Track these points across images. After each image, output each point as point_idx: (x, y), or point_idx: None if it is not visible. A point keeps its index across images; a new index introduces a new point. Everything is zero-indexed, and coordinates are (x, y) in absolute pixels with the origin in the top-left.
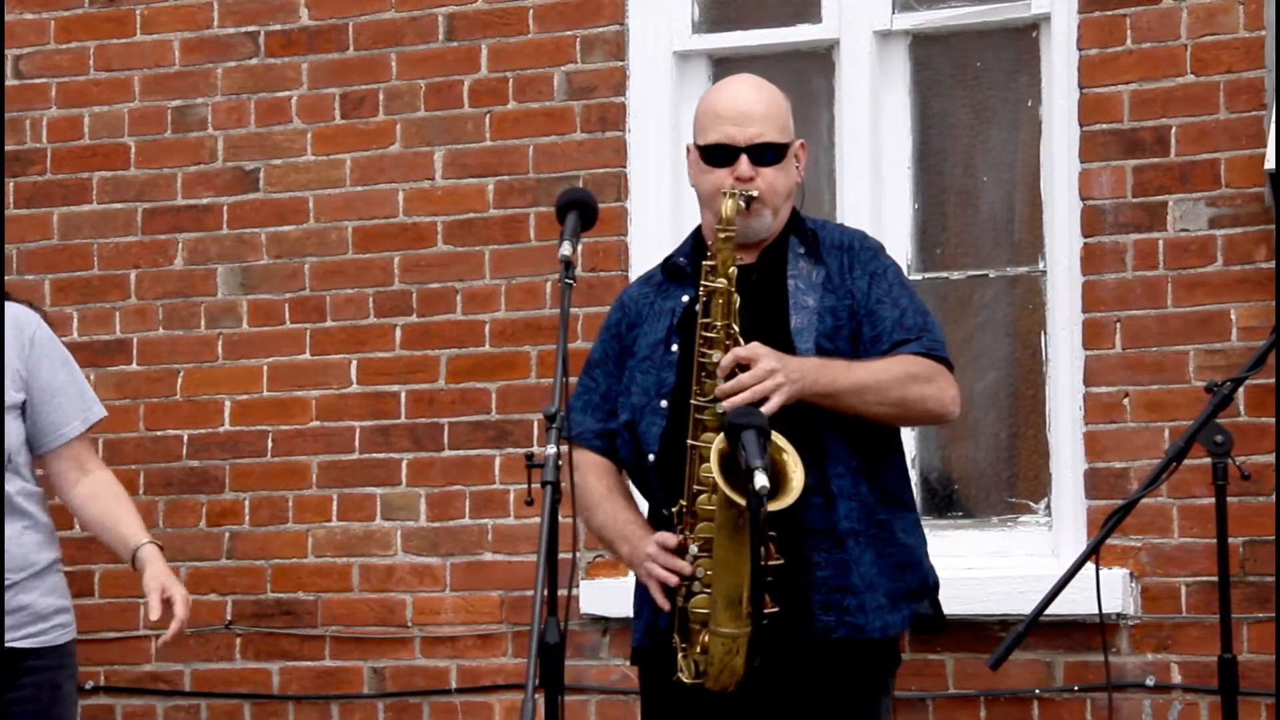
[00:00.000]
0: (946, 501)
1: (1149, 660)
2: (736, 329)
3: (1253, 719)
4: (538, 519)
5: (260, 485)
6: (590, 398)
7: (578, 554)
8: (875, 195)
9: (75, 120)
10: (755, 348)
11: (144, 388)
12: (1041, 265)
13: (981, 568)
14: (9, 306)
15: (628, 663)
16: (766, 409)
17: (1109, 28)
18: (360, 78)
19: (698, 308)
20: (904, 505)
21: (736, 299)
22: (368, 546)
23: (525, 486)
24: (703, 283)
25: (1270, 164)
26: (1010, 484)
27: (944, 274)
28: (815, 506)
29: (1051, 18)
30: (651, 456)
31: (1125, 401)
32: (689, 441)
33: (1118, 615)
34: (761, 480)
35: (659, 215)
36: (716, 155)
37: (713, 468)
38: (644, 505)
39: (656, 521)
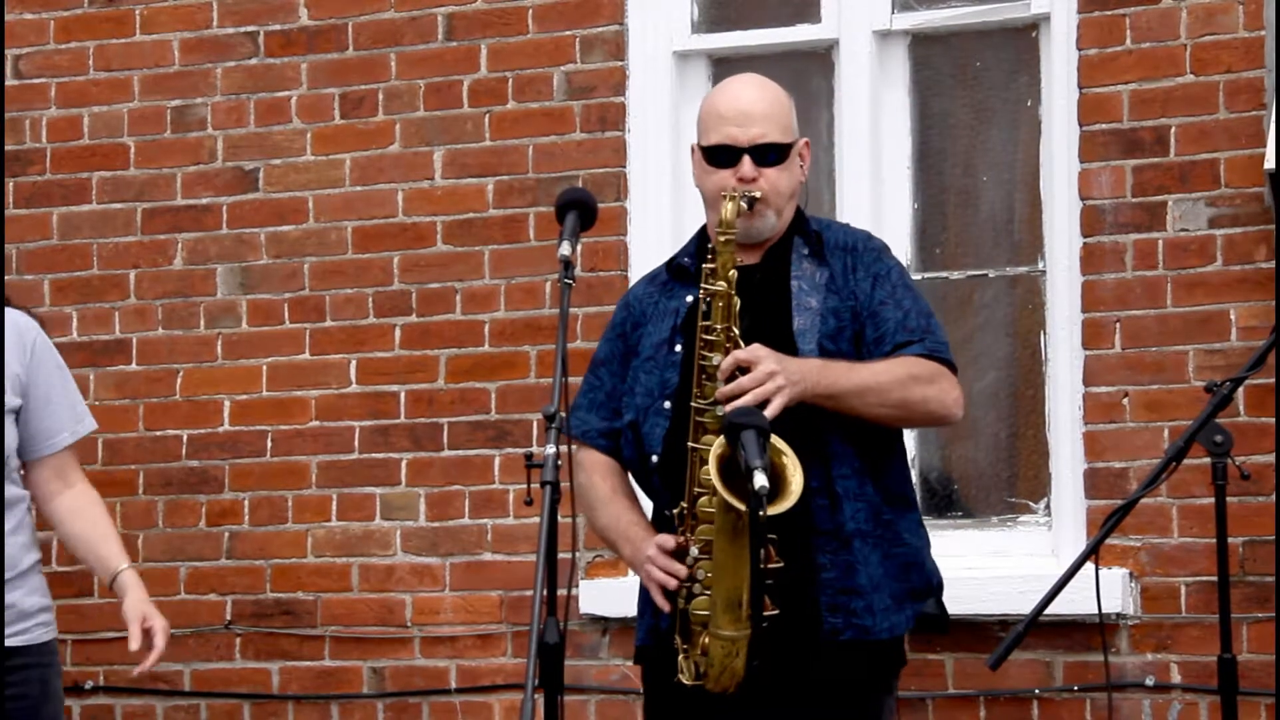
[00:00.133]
0: (946, 501)
1: (1149, 660)
2: (737, 331)
3: (1252, 719)
4: (537, 519)
5: (260, 485)
6: (595, 396)
7: (577, 554)
8: (875, 195)
9: (75, 120)
10: (755, 350)
11: (144, 388)
12: (1041, 265)
13: (981, 568)
14: (10, 313)
15: (627, 663)
16: (768, 412)
17: (1109, 28)
18: (360, 78)
19: (702, 309)
20: (908, 505)
21: (737, 302)
22: (367, 546)
23: (525, 486)
24: (703, 285)
25: (1270, 164)
26: (1010, 484)
27: (944, 274)
28: (821, 508)
29: (1051, 18)
30: (655, 458)
31: (1125, 401)
32: (690, 444)
33: (1117, 615)
34: (761, 480)
35: (659, 215)
36: (719, 156)
37: (711, 472)
38: (649, 505)
39: (660, 522)
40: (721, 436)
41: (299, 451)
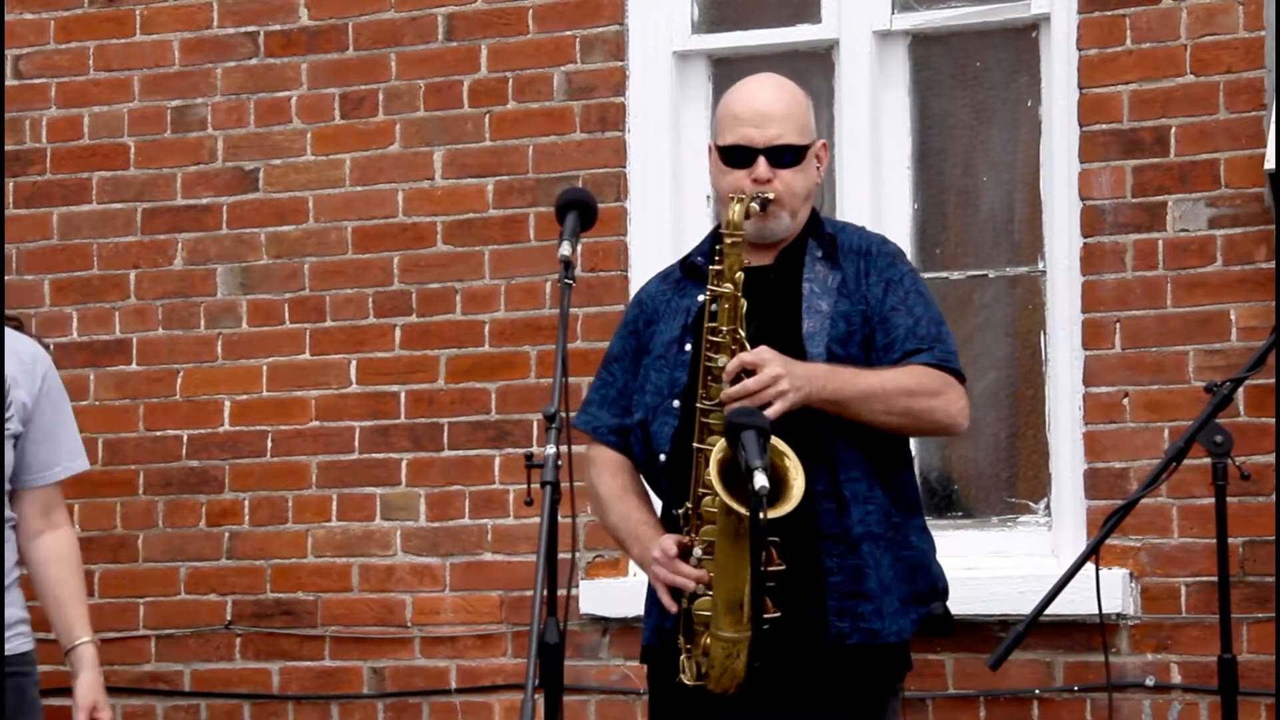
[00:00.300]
0: (946, 501)
1: (1149, 660)
2: (743, 334)
3: (1252, 719)
4: (537, 519)
5: (260, 485)
6: (607, 392)
7: (577, 554)
8: (875, 195)
9: (75, 120)
10: (761, 353)
11: (144, 388)
12: (1041, 265)
13: (981, 568)
14: (24, 340)
15: (627, 663)
16: (769, 414)
17: (1109, 28)
18: (360, 78)
19: (708, 310)
20: (915, 509)
21: (743, 303)
22: (367, 546)
23: (525, 486)
24: (709, 287)
25: (1270, 164)
26: (1010, 484)
27: (944, 274)
28: (828, 511)
29: (1051, 18)
30: (663, 457)
31: (1125, 401)
32: (695, 445)
33: (1117, 615)
34: (761, 480)
35: (659, 215)
36: (735, 156)
37: (712, 475)
38: (659, 502)
39: (668, 522)
40: (723, 439)
41: (299, 451)
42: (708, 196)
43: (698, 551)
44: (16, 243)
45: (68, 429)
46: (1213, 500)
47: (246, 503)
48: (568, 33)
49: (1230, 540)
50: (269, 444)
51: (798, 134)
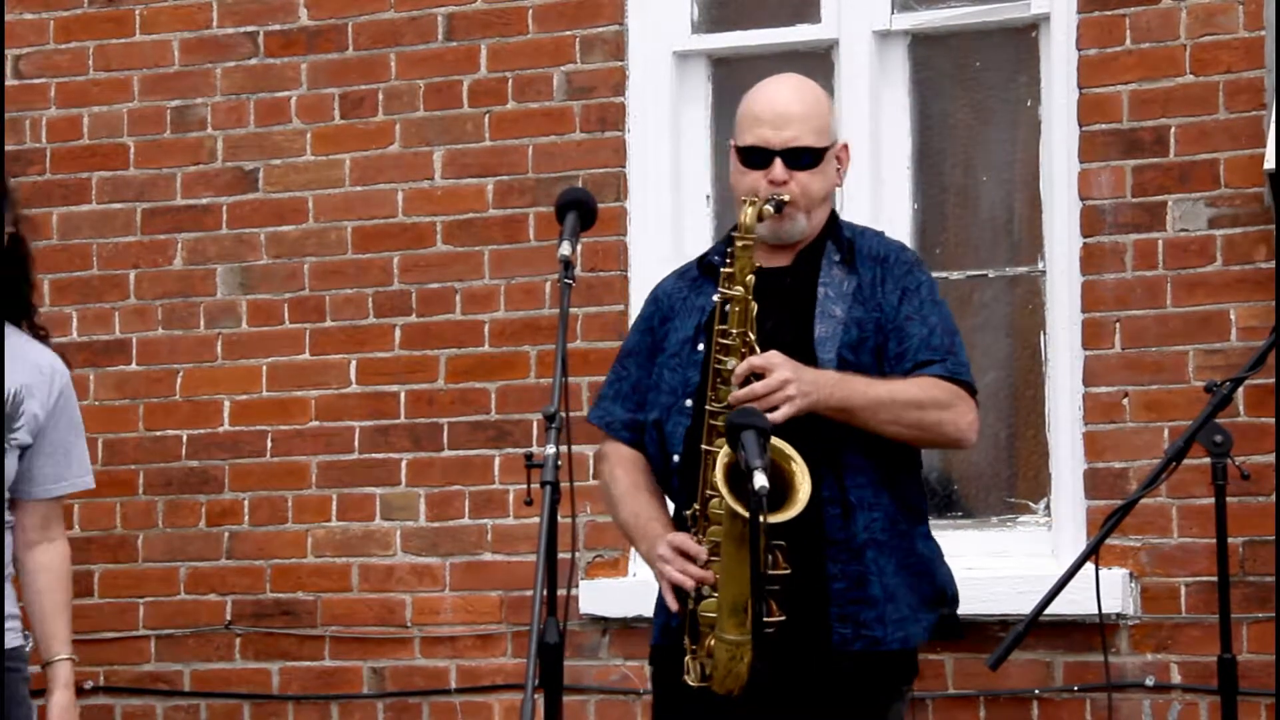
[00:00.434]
0: (946, 501)
1: (1149, 660)
2: (753, 337)
3: (1252, 719)
4: (537, 519)
5: (260, 485)
6: (621, 387)
7: (577, 554)
8: (875, 195)
9: (75, 120)
10: (771, 357)
11: (144, 388)
12: (1041, 265)
13: (981, 568)
14: (44, 352)
15: (628, 663)
16: (776, 418)
17: (1109, 28)
18: (360, 78)
19: (723, 310)
20: (922, 516)
21: (754, 307)
22: (367, 546)
23: (525, 486)
24: (720, 289)
25: (1270, 164)
26: (1010, 484)
27: (944, 274)
28: (833, 517)
29: (1051, 18)
30: (676, 458)
31: (1125, 401)
32: (703, 446)
33: (1117, 615)
34: (761, 480)
35: (658, 215)
36: (752, 157)
37: (718, 479)
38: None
39: (679, 522)
40: (734, 451)
41: (299, 451)
42: (708, 196)
43: (703, 553)
44: None
45: (76, 446)
46: (1213, 500)
47: (246, 503)
48: (568, 33)
49: (1230, 540)
50: (269, 444)
51: (815, 136)
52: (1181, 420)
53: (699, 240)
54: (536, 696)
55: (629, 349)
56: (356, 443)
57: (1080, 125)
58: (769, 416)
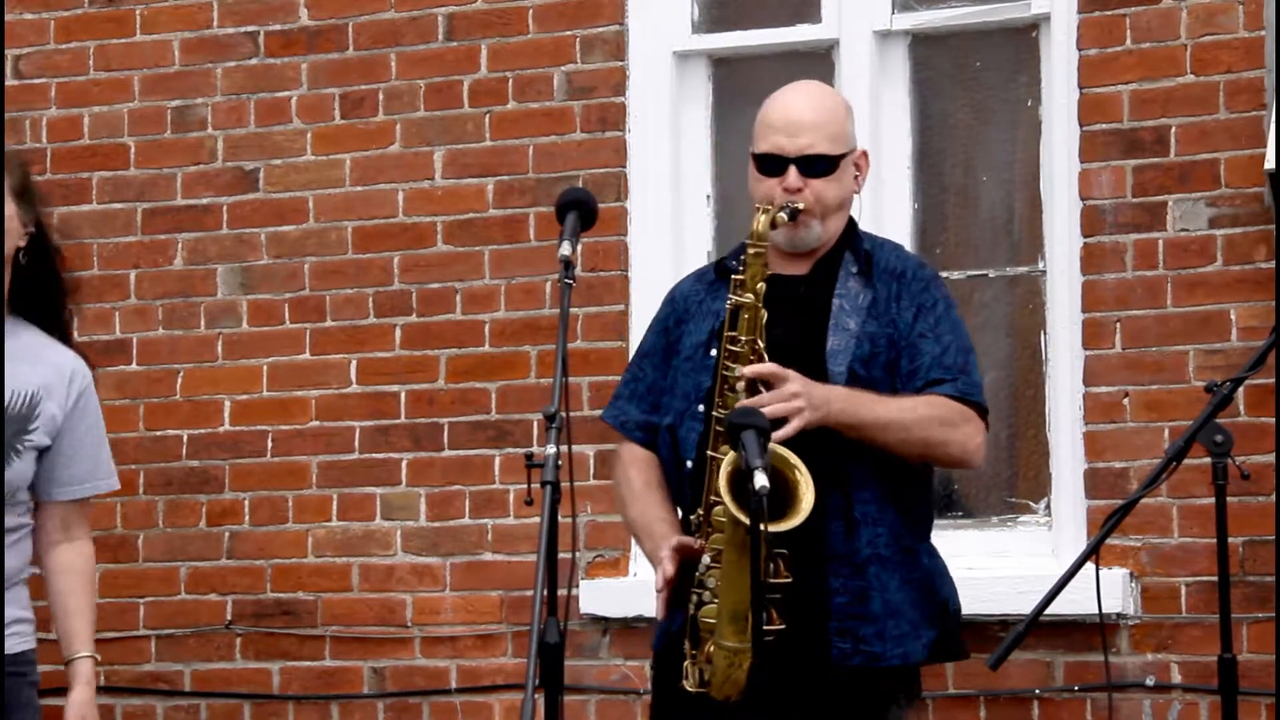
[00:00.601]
0: (946, 501)
1: (1149, 660)
2: (761, 344)
3: (1253, 719)
4: (537, 519)
5: (260, 485)
6: (637, 387)
7: (577, 554)
8: (875, 195)
9: (75, 120)
10: (782, 369)
11: (144, 388)
12: (1041, 265)
13: (981, 568)
14: (64, 353)
15: (628, 663)
16: (782, 432)
17: (1109, 28)
18: (360, 78)
19: (727, 318)
20: (926, 533)
21: (763, 314)
22: (368, 546)
23: (525, 486)
24: (730, 295)
25: (1270, 164)
26: (1010, 484)
27: (944, 274)
28: (836, 532)
29: (1051, 18)
30: (689, 463)
31: (1125, 401)
32: (709, 453)
33: (1118, 615)
34: (761, 480)
35: (659, 215)
36: (767, 165)
37: (721, 486)
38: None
39: (687, 526)
40: (734, 450)
41: (299, 451)
42: (708, 196)
43: (706, 559)
44: None
45: (99, 448)
46: (1213, 500)
47: (247, 503)
48: (568, 33)
49: (1230, 540)
50: (269, 444)
51: (831, 143)
52: (1182, 420)
53: (699, 240)
54: (537, 696)
55: (645, 349)
56: (357, 443)
57: (1080, 125)
58: (779, 432)
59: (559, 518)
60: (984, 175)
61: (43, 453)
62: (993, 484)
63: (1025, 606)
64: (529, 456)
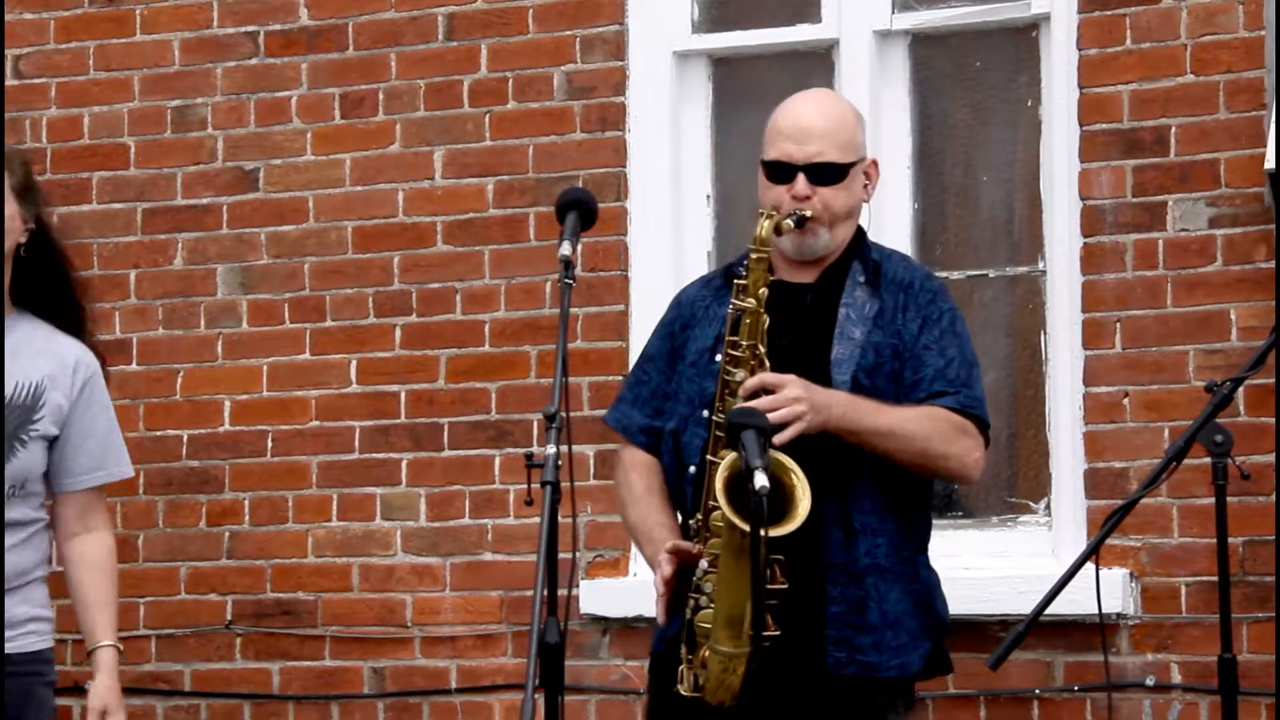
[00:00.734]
0: (946, 501)
1: (1149, 660)
2: (763, 350)
3: (1253, 719)
4: (537, 519)
5: (260, 485)
6: (640, 391)
7: (577, 554)
8: (875, 195)
9: (75, 120)
10: (782, 376)
11: (144, 388)
12: (1041, 265)
13: (981, 568)
14: (69, 343)
15: (628, 663)
16: (784, 435)
17: (1109, 28)
18: (360, 78)
19: (729, 324)
20: (925, 545)
21: (765, 320)
22: (368, 546)
23: (525, 486)
24: (732, 301)
25: (1270, 164)
26: (1010, 484)
27: (944, 274)
28: (835, 540)
29: (1051, 18)
30: (692, 469)
31: (1125, 401)
32: (709, 457)
33: (1118, 615)
34: (761, 480)
35: (659, 215)
36: (776, 172)
37: (718, 490)
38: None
39: (687, 531)
40: (731, 454)
41: (299, 451)
42: (708, 196)
43: (704, 564)
44: None
45: (110, 436)
46: (1213, 500)
47: (247, 503)
48: (568, 33)
49: (1230, 540)
50: (269, 444)
51: (839, 151)
52: (1182, 420)
53: (699, 240)
54: (537, 696)
55: (650, 353)
56: (357, 443)
57: (1080, 125)
58: (780, 435)
59: (559, 518)
60: (984, 175)
61: (53, 443)
62: (993, 484)
63: (1025, 606)
64: (529, 456)
